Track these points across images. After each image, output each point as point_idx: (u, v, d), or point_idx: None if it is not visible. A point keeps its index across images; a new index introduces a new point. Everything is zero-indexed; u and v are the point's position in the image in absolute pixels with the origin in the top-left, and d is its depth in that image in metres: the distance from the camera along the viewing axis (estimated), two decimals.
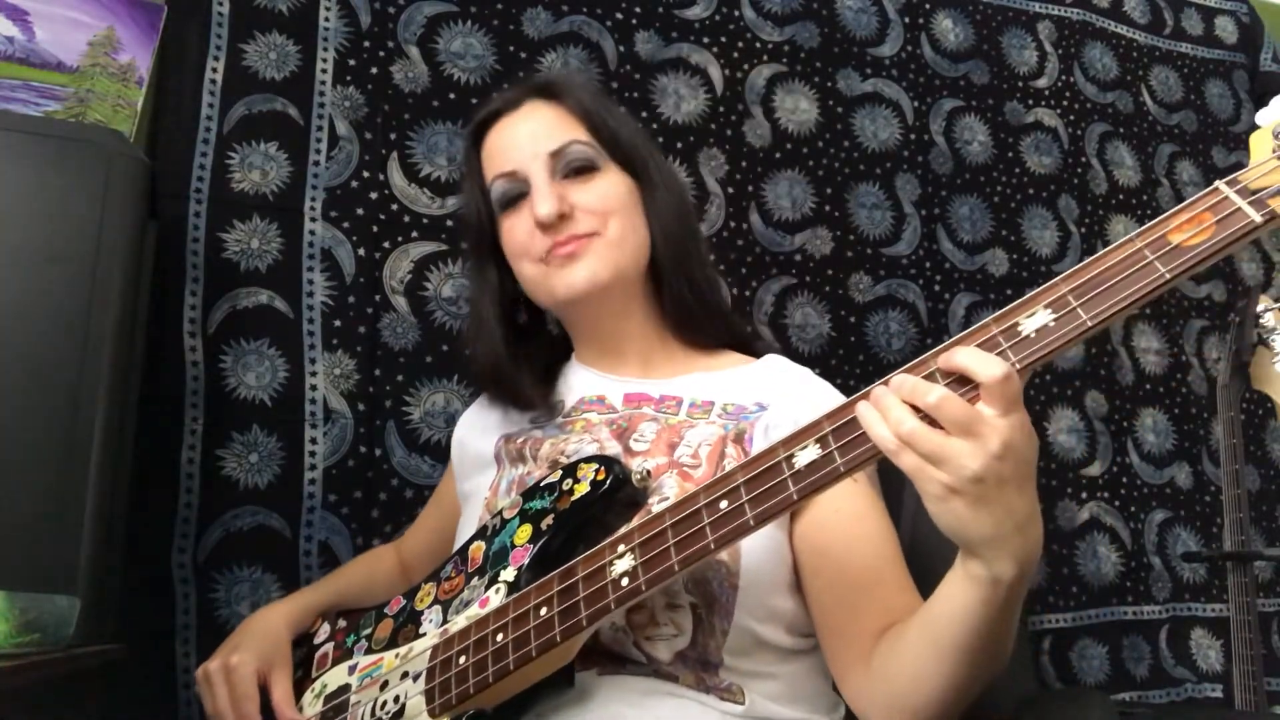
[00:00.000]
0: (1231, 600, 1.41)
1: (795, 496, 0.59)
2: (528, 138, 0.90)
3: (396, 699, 0.74)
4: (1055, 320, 0.55)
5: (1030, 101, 1.93)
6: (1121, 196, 1.96)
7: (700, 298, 0.94)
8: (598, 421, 0.91)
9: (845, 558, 0.77)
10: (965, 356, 0.55)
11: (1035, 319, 0.55)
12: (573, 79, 0.98)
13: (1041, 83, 1.95)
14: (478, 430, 1.00)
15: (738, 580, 0.76)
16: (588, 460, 0.77)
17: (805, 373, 0.93)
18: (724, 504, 0.62)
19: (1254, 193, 0.54)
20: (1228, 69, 2.18)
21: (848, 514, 0.78)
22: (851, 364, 1.64)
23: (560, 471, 0.78)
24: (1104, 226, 1.93)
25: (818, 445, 0.59)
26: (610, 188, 0.90)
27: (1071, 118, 1.96)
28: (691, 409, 0.88)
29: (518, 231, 0.90)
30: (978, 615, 0.60)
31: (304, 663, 0.88)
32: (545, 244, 0.88)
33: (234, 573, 1.25)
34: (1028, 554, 0.58)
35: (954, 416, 0.54)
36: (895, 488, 0.98)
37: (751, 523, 0.61)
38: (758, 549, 0.77)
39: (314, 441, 1.33)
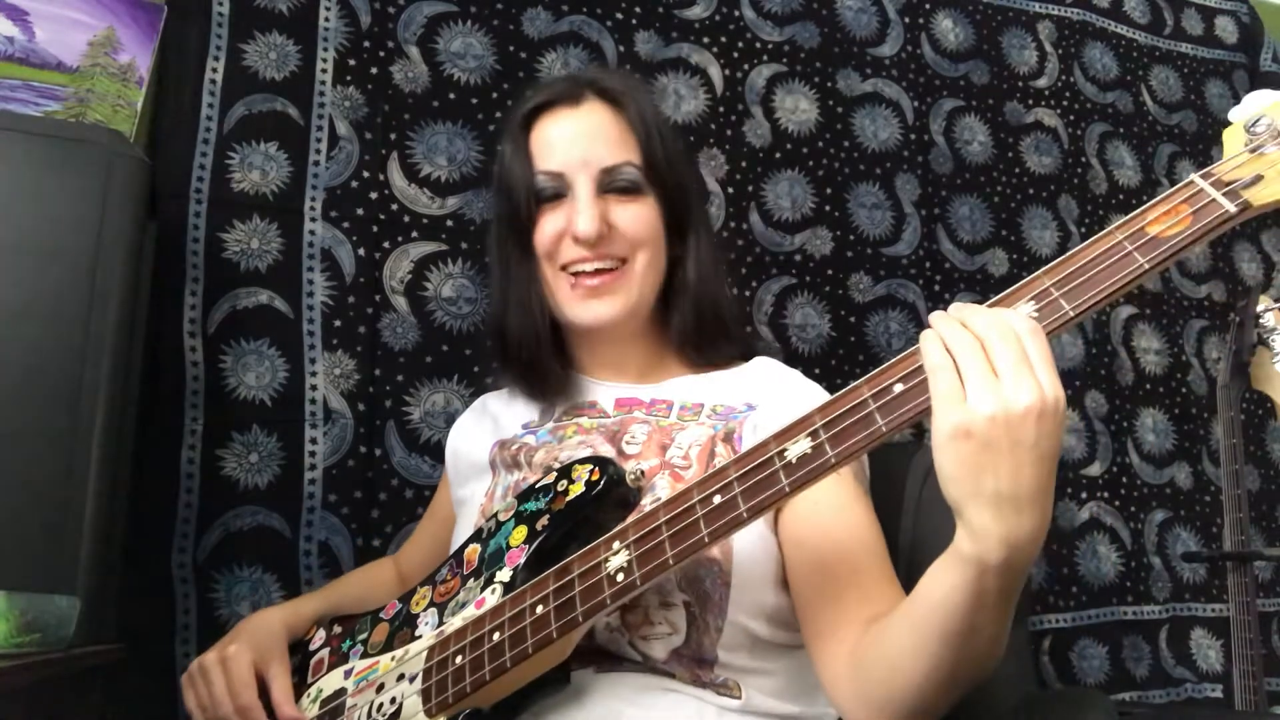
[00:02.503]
0: (1231, 600, 1.41)
1: (788, 489, 0.60)
2: (582, 143, 0.89)
3: (393, 700, 0.74)
4: (1038, 311, 0.57)
5: (1030, 101, 1.93)
6: (1121, 196, 1.96)
7: (718, 325, 0.94)
8: (590, 427, 0.91)
9: (824, 548, 0.78)
10: (991, 310, 0.57)
11: (1020, 310, 0.57)
12: (637, 88, 0.95)
13: (1041, 83, 1.95)
14: (472, 438, 1.01)
15: (730, 578, 0.77)
16: (581, 461, 0.77)
17: (794, 374, 0.93)
18: (717, 498, 0.63)
19: (1228, 184, 0.56)
20: (1228, 69, 2.18)
21: (827, 506, 0.78)
22: (851, 364, 1.64)
23: (555, 473, 0.78)
24: (1104, 226, 1.91)
25: (809, 438, 0.60)
26: (647, 216, 0.90)
27: (1071, 118, 1.96)
28: (682, 411, 0.89)
29: (548, 231, 0.89)
30: (961, 600, 0.58)
31: (300, 669, 0.88)
32: (572, 254, 0.88)
33: (234, 573, 1.25)
34: (1020, 542, 0.55)
35: (1010, 350, 0.54)
36: (896, 484, 0.98)
37: (745, 515, 0.61)
38: (748, 546, 0.77)
39: (314, 441, 1.33)
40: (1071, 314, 0.56)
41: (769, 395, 0.87)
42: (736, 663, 0.76)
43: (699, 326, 0.93)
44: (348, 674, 0.82)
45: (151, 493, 1.22)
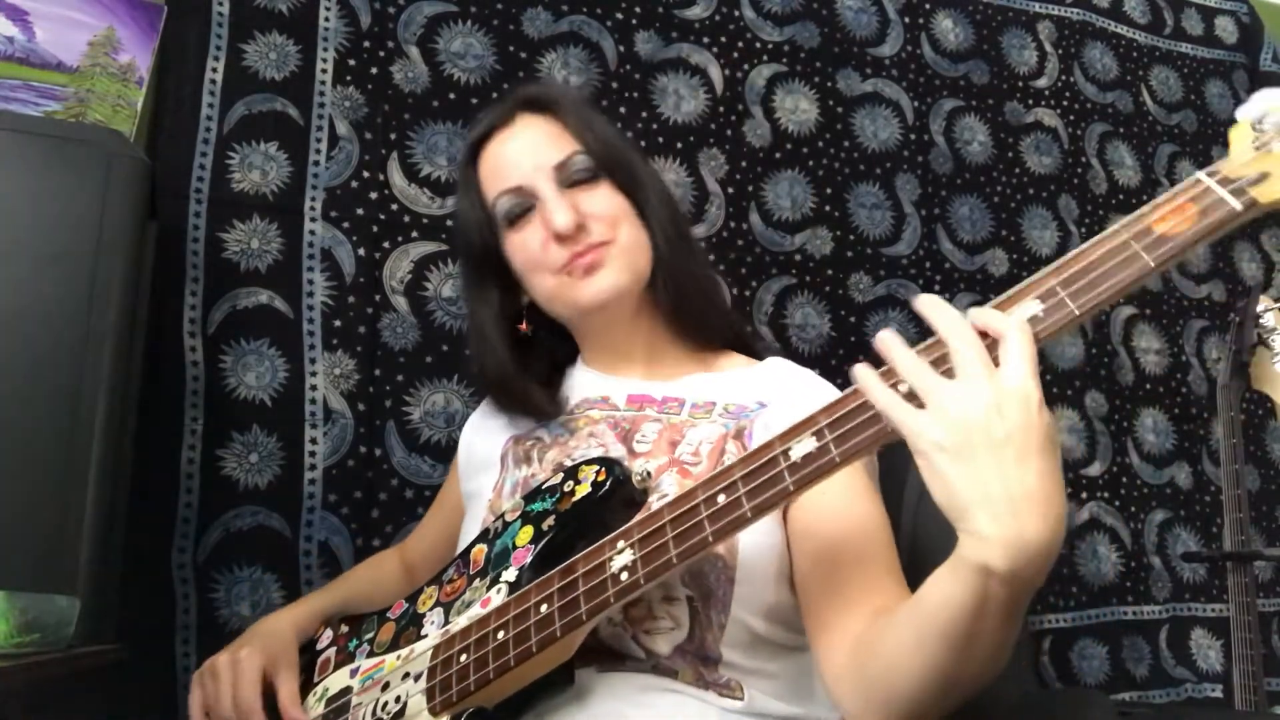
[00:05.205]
0: (1231, 600, 1.41)
1: (791, 488, 0.60)
2: (528, 152, 0.91)
3: (398, 699, 0.74)
4: (1044, 310, 0.56)
5: (1030, 101, 1.93)
6: (1121, 196, 1.96)
7: (700, 295, 0.95)
8: (600, 419, 0.92)
9: (830, 538, 0.78)
10: (982, 313, 0.58)
11: (1025, 309, 0.57)
12: (559, 89, 0.99)
13: (1041, 83, 1.95)
14: (485, 432, 1.01)
15: (734, 574, 0.77)
16: (589, 462, 0.78)
17: (807, 373, 0.94)
18: (721, 498, 0.63)
19: (1234, 182, 0.56)
20: (1228, 69, 2.18)
21: (835, 497, 0.78)
22: (851, 364, 1.63)
23: (562, 474, 0.79)
24: (1104, 226, 1.90)
25: (814, 438, 0.60)
26: (613, 196, 0.91)
27: (1071, 118, 1.96)
28: (694, 409, 0.89)
29: (530, 245, 0.90)
30: (963, 604, 0.57)
31: (306, 668, 0.88)
32: (563, 255, 0.88)
33: (234, 573, 1.25)
34: (1025, 548, 0.53)
35: (961, 354, 0.55)
36: (897, 482, 0.98)
37: (749, 514, 0.62)
38: (754, 543, 0.78)
39: (314, 441, 1.33)
40: (1077, 313, 0.56)
41: (781, 394, 0.87)
42: (740, 662, 0.76)
43: (680, 298, 0.93)
44: (354, 673, 0.82)
45: (151, 493, 1.22)
